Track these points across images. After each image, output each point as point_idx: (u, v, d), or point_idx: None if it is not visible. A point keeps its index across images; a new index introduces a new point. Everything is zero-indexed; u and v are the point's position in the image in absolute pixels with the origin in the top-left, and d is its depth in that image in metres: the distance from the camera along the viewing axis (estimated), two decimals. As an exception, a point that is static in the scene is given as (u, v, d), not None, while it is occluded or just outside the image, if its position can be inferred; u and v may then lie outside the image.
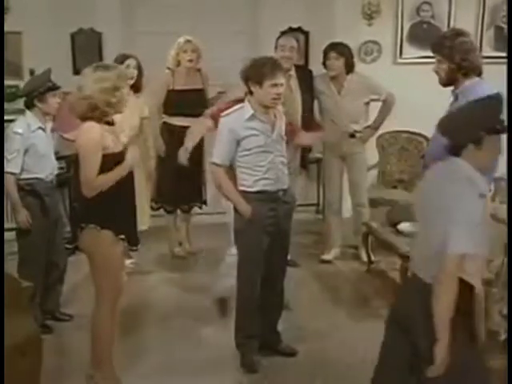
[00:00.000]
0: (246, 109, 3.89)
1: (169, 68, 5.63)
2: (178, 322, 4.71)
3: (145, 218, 5.45)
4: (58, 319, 4.64)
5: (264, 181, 3.91)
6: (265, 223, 3.93)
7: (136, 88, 5.25)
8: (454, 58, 3.59)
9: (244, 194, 3.91)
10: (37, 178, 4.36)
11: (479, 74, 3.69)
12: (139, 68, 5.30)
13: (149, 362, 4.13)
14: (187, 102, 5.53)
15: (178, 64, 5.63)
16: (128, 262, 5.45)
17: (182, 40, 5.58)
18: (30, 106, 4.34)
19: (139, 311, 4.90)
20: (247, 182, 3.92)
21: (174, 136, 5.55)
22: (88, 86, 3.42)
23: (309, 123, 5.68)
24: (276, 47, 5.47)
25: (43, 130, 4.39)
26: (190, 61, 5.58)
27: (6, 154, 4.33)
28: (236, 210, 3.96)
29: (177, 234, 6.06)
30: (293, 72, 5.49)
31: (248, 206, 3.88)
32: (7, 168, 4.32)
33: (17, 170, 4.31)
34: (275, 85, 3.81)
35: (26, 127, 4.31)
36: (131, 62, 5.25)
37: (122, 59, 5.18)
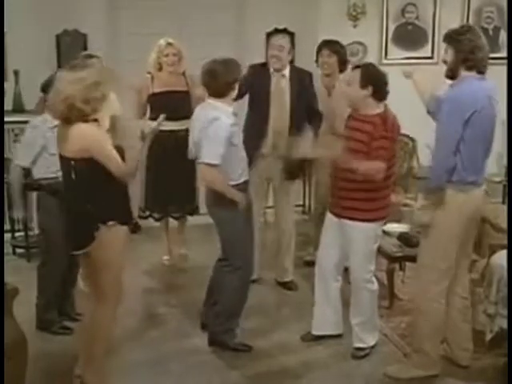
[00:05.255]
0: (226, 107, 4.08)
1: (149, 72, 5.40)
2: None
3: None
4: (75, 320, 4.53)
5: (243, 171, 4.19)
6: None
7: None
8: (460, 52, 3.73)
9: (233, 187, 4.09)
10: (56, 177, 4.13)
11: (481, 72, 3.77)
12: None
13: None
14: (170, 104, 5.18)
15: (160, 68, 5.41)
16: None
17: (162, 43, 5.33)
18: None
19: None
20: (234, 176, 4.11)
21: (158, 141, 5.42)
22: (67, 87, 3.37)
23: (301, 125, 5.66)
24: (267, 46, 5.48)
25: None
26: (172, 65, 5.36)
27: (19, 145, 4.41)
28: (226, 206, 4.06)
29: (168, 238, 5.86)
30: (286, 72, 5.28)
31: (242, 195, 4.10)
32: (16, 160, 4.38)
33: (24, 163, 4.32)
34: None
35: (42, 121, 4.27)
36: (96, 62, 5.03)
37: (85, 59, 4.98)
